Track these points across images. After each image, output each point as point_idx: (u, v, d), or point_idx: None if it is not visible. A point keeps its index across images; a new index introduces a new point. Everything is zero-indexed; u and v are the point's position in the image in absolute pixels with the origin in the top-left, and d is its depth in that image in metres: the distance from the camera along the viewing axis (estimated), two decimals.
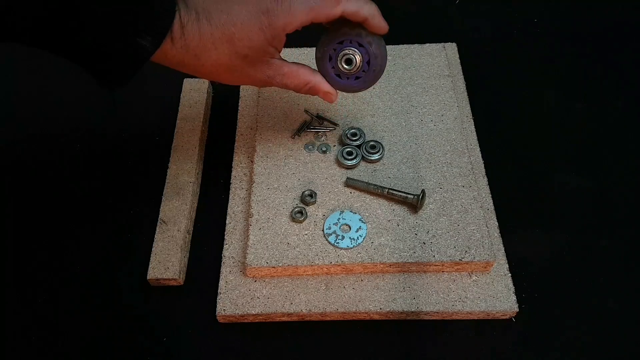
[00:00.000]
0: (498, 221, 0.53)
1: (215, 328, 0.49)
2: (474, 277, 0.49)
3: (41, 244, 0.54)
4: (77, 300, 0.51)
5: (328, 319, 0.49)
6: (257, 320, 0.49)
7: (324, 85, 0.48)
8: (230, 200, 0.55)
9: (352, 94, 0.60)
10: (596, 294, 0.50)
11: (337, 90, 0.49)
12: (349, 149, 0.55)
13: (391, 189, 0.51)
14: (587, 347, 0.47)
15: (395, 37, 0.66)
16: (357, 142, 0.55)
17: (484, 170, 0.56)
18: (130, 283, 0.51)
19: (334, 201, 0.52)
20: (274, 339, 0.48)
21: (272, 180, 0.54)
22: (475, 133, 0.59)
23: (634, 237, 0.53)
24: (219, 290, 0.49)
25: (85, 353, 0.48)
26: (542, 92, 0.64)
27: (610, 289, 0.50)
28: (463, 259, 0.48)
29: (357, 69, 0.46)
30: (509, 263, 0.50)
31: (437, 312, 0.48)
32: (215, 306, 0.49)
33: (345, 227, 0.50)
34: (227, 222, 0.54)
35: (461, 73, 0.64)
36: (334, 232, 0.50)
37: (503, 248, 0.51)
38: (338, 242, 0.49)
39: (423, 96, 0.60)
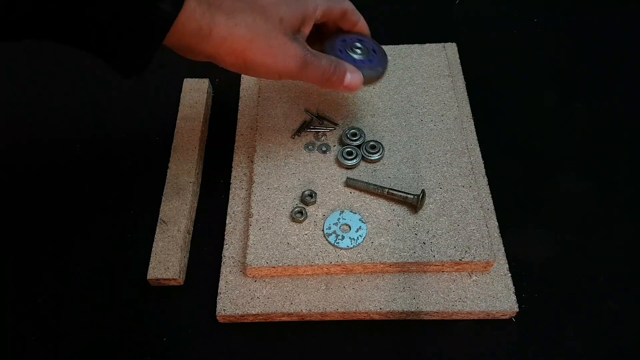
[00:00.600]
0: (498, 221, 0.53)
1: (215, 328, 0.49)
2: (474, 277, 0.49)
3: (41, 244, 0.54)
4: (77, 300, 0.51)
5: (328, 319, 0.49)
6: (257, 320, 0.49)
7: (348, 64, 0.47)
8: (230, 200, 0.55)
9: (352, 95, 0.60)
10: (596, 294, 0.50)
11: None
12: (349, 149, 0.55)
13: (391, 189, 0.51)
14: (587, 347, 0.47)
15: (395, 37, 0.66)
16: (357, 142, 0.55)
17: (484, 170, 0.56)
18: (130, 283, 0.52)
19: (334, 201, 0.52)
20: (274, 339, 0.48)
21: (272, 180, 0.54)
22: (475, 133, 0.59)
23: (634, 237, 0.53)
24: (219, 290, 0.49)
25: (85, 353, 0.48)
26: (542, 92, 0.64)
27: (610, 289, 0.50)
28: (463, 259, 0.48)
29: (367, 53, 0.49)
30: (509, 263, 0.50)
31: (437, 312, 0.48)
32: (215, 306, 0.49)
33: (345, 227, 0.50)
34: (227, 222, 0.54)
35: (461, 73, 0.64)
36: (334, 232, 0.50)
37: (503, 248, 0.51)
38: (338, 242, 0.49)
39: (423, 96, 0.60)
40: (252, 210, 0.52)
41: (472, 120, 0.60)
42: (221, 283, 0.50)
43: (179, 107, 0.63)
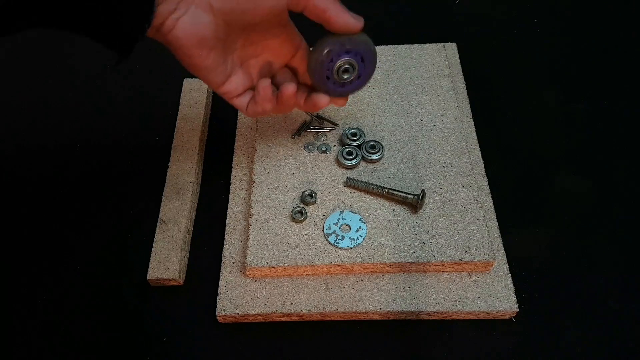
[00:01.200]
0: (498, 221, 0.53)
1: (215, 328, 0.49)
2: (474, 277, 0.49)
3: (41, 244, 0.54)
4: (77, 300, 0.51)
5: (328, 319, 0.49)
6: (257, 320, 0.49)
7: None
8: (230, 200, 0.55)
9: (352, 95, 0.60)
10: (596, 294, 0.50)
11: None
12: (349, 149, 0.55)
13: (391, 189, 0.51)
14: (587, 347, 0.47)
15: (395, 37, 0.66)
16: (357, 142, 0.55)
17: (484, 170, 0.56)
18: (130, 283, 0.52)
19: (334, 201, 0.52)
20: (274, 339, 0.48)
21: (272, 180, 0.54)
22: (475, 133, 0.59)
23: (633, 237, 0.53)
24: (219, 290, 0.49)
25: (86, 353, 0.48)
26: (542, 92, 0.64)
27: (610, 289, 0.50)
28: (463, 259, 0.48)
29: (350, 79, 0.46)
30: (509, 263, 0.50)
31: (437, 312, 0.48)
32: (215, 306, 0.49)
33: (345, 227, 0.50)
34: (227, 222, 0.54)
35: (461, 73, 0.64)
36: (334, 232, 0.50)
37: (503, 248, 0.51)
38: (338, 242, 0.49)
39: (423, 96, 0.60)
40: (252, 210, 0.52)
41: (472, 120, 0.60)
42: (221, 283, 0.50)
43: (179, 107, 0.63)
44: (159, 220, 0.54)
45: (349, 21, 0.43)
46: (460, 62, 0.65)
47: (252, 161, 0.57)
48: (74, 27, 0.39)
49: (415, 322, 0.49)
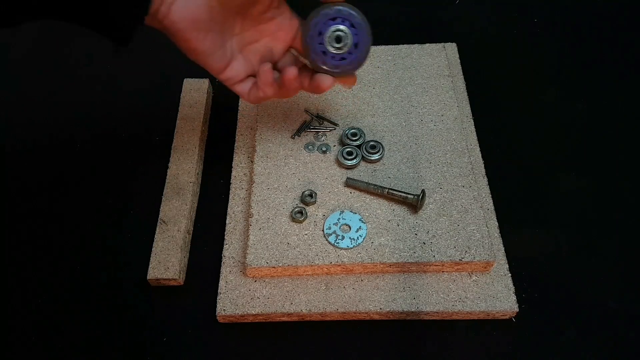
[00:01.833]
0: (498, 221, 0.53)
1: (215, 328, 0.49)
2: (474, 277, 0.49)
3: (41, 244, 0.54)
4: (77, 300, 0.51)
5: (328, 319, 0.49)
6: (257, 320, 0.49)
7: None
8: (230, 200, 0.55)
9: (352, 95, 0.60)
10: (596, 294, 0.50)
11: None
12: (349, 149, 0.55)
13: (391, 189, 0.51)
14: (587, 347, 0.47)
15: (396, 37, 0.66)
16: (357, 142, 0.55)
17: (484, 170, 0.56)
18: (130, 283, 0.52)
19: (334, 201, 0.52)
20: (274, 339, 0.48)
21: (272, 180, 0.54)
22: (475, 133, 0.59)
23: (634, 237, 0.53)
24: (219, 290, 0.49)
25: (86, 353, 0.48)
26: (542, 92, 0.64)
27: (610, 289, 0.50)
28: (463, 259, 0.48)
29: (345, 49, 0.45)
30: (509, 263, 0.50)
31: (437, 312, 0.48)
32: (215, 306, 0.49)
33: (345, 227, 0.50)
34: (227, 222, 0.54)
35: (461, 73, 0.64)
36: (334, 232, 0.50)
37: (503, 248, 0.51)
38: (338, 242, 0.49)
39: (423, 96, 0.60)
40: (252, 210, 0.52)
41: (472, 120, 0.60)
42: (221, 283, 0.50)
43: (179, 107, 0.63)
44: (159, 220, 0.54)
45: None
46: (460, 62, 0.65)
47: (252, 161, 0.57)
48: (73, 17, 0.39)
49: (415, 322, 0.49)
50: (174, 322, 0.49)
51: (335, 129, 0.58)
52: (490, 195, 0.54)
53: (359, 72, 0.62)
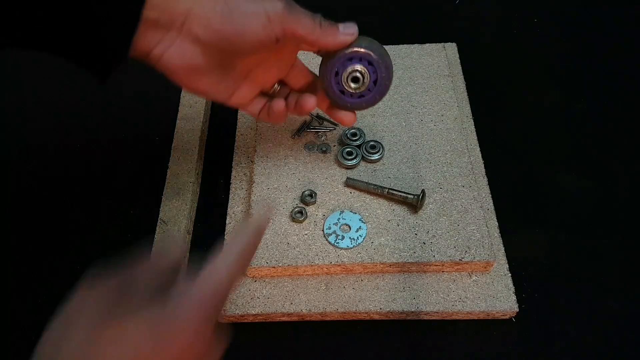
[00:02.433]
0: (498, 221, 0.53)
1: (215, 328, 0.49)
2: (474, 277, 0.49)
3: (41, 244, 0.54)
4: None
5: (328, 319, 0.49)
6: (257, 320, 0.49)
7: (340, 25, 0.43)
8: (230, 200, 0.55)
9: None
10: (596, 294, 0.50)
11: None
12: (349, 149, 0.55)
13: (391, 189, 0.51)
14: (587, 347, 0.47)
15: (395, 37, 0.66)
16: (357, 142, 0.55)
17: (484, 170, 0.56)
18: None
19: (334, 201, 0.52)
20: (274, 339, 0.48)
21: (272, 180, 0.54)
22: (475, 133, 0.59)
23: (634, 237, 0.53)
24: None
25: None
26: (542, 92, 0.64)
27: (610, 289, 0.50)
28: (463, 259, 0.48)
29: (364, 88, 0.45)
30: (509, 263, 0.50)
31: (437, 312, 0.48)
32: None
33: (345, 227, 0.50)
34: (227, 222, 0.54)
35: (461, 73, 0.64)
36: (334, 232, 0.50)
37: (503, 248, 0.51)
38: (338, 242, 0.49)
39: (423, 96, 0.60)
40: (252, 210, 0.52)
41: (472, 120, 0.60)
42: None
43: (179, 107, 0.63)
44: (159, 220, 0.54)
45: (340, 37, 0.42)
46: (460, 62, 0.65)
47: (252, 161, 0.57)
48: (52, 50, 0.38)
49: (415, 322, 0.49)
50: None
51: (335, 129, 0.58)
52: (490, 195, 0.54)
53: None
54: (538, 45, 0.69)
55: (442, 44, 0.65)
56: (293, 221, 0.51)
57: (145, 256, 0.36)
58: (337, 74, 0.44)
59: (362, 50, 0.43)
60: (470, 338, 0.48)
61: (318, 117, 0.58)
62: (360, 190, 0.53)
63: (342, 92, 0.45)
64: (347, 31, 0.42)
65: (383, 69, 0.44)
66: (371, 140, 0.55)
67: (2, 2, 0.35)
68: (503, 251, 0.51)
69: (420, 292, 0.48)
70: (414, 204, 0.51)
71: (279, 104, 0.46)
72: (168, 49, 0.40)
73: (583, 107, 0.63)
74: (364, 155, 0.54)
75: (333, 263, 0.48)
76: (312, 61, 0.49)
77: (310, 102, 0.46)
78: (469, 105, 0.61)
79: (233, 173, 0.57)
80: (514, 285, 0.49)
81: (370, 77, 0.44)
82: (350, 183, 0.53)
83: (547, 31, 0.71)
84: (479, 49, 0.68)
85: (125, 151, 0.61)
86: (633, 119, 0.62)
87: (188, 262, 0.53)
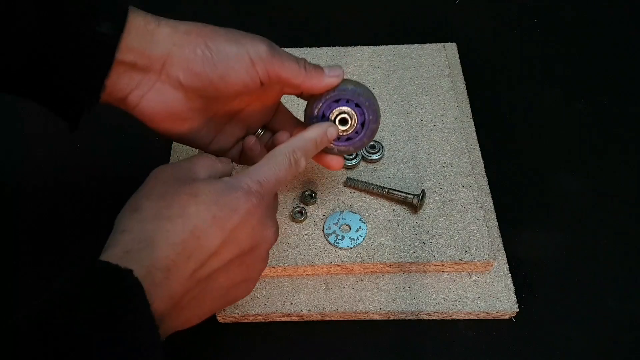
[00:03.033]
0: (498, 221, 0.53)
1: (215, 328, 0.49)
2: (474, 277, 0.49)
3: (41, 244, 0.54)
4: None
5: (328, 319, 0.49)
6: (257, 320, 0.49)
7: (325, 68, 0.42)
8: None
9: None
10: (596, 294, 0.50)
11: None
12: None
13: (391, 189, 0.51)
14: (587, 347, 0.47)
15: (395, 37, 0.66)
16: None
17: (484, 170, 0.56)
18: None
19: (334, 201, 0.52)
20: (274, 339, 0.48)
21: None
22: (475, 133, 0.59)
23: (633, 237, 0.53)
24: None
25: None
26: (542, 92, 0.65)
27: (610, 289, 0.50)
28: (463, 259, 0.48)
29: (351, 130, 0.44)
30: (509, 263, 0.50)
31: (437, 312, 0.48)
32: None
33: (345, 227, 0.50)
34: None
35: (461, 73, 0.64)
36: (334, 232, 0.50)
37: (503, 248, 0.51)
38: (338, 242, 0.49)
39: (423, 96, 0.60)
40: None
41: (472, 120, 0.60)
42: None
43: None
44: None
45: (326, 80, 0.41)
46: (460, 62, 0.65)
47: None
48: (20, 94, 0.37)
49: (415, 322, 0.49)
50: None
51: None
52: (490, 195, 0.54)
53: (359, 72, 0.62)
54: (538, 45, 0.69)
55: (442, 44, 0.65)
56: (293, 221, 0.51)
57: (203, 154, 0.39)
58: (323, 116, 0.43)
59: (349, 91, 0.42)
60: (470, 338, 0.48)
61: None
62: (360, 190, 0.53)
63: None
64: (333, 74, 0.41)
65: (371, 110, 0.43)
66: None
67: None
68: (503, 251, 0.51)
69: (420, 292, 0.48)
70: (414, 204, 0.51)
71: (250, 139, 0.45)
72: (147, 93, 0.38)
73: (583, 107, 0.63)
74: (364, 155, 0.54)
75: (333, 263, 0.48)
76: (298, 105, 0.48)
77: (283, 138, 0.45)
78: (469, 105, 0.61)
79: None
80: (514, 285, 0.49)
81: (357, 119, 0.43)
82: (350, 183, 0.53)
83: (547, 31, 0.71)
84: (479, 49, 0.68)
85: (126, 151, 0.61)
86: (633, 119, 0.62)
87: None
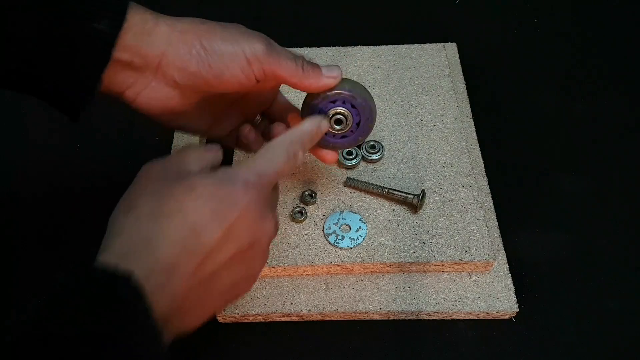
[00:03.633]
0: (498, 221, 0.53)
1: (215, 328, 0.49)
2: (474, 277, 0.49)
3: (41, 244, 0.54)
4: None
5: (328, 319, 0.49)
6: (257, 320, 0.49)
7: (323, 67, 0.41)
8: None
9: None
10: (596, 294, 0.50)
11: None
12: (349, 149, 0.54)
13: (391, 189, 0.51)
14: (587, 347, 0.47)
15: (395, 37, 0.66)
16: None
17: (484, 170, 0.56)
18: None
19: (334, 201, 0.52)
20: (274, 339, 0.48)
21: None
22: (475, 133, 0.59)
23: (634, 237, 0.53)
24: None
25: None
26: (542, 92, 0.65)
27: (610, 289, 0.50)
28: (463, 259, 0.48)
29: (347, 129, 0.44)
30: (509, 263, 0.50)
31: (437, 312, 0.48)
32: None
33: (345, 227, 0.50)
34: None
35: (461, 73, 0.64)
36: (334, 232, 0.50)
37: (503, 248, 0.51)
38: (338, 242, 0.49)
39: (423, 96, 0.60)
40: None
41: (472, 120, 0.60)
42: None
43: None
44: None
45: (323, 80, 0.41)
46: (460, 62, 0.65)
47: None
48: (20, 89, 0.38)
49: (415, 322, 0.49)
50: None
51: None
52: (490, 195, 0.54)
53: (359, 73, 0.62)
54: (538, 45, 0.69)
55: (442, 44, 0.65)
56: (293, 221, 0.51)
57: (191, 146, 0.39)
58: (320, 112, 0.43)
59: (346, 93, 0.42)
60: (470, 338, 0.48)
61: None
62: (360, 190, 0.53)
63: (325, 133, 0.43)
64: (331, 74, 0.41)
65: (367, 112, 0.44)
66: (371, 140, 0.55)
67: None
68: (503, 251, 0.51)
69: (420, 292, 0.48)
70: (414, 204, 0.51)
71: (244, 128, 0.45)
72: (143, 90, 0.39)
73: (583, 107, 0.63)
74: (364, 155, 0.54)
75: (333, 263, 0.48)
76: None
77: (279, 130, 0.45)
78: (469, 105, 0.61)
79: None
80: (514, 285, 0.49)
81: (353, 119, 0.43)
82: (350, 183, 0.53)
83: (547, 31, 0.71)
84: (479, 49, 0.68)
85: (126, 151, 0.61)
86: (633, 118, 0.62)
87: None
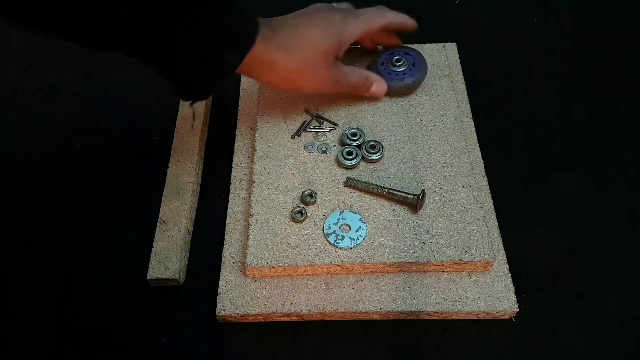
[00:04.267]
0: (498, 221, 0.53)
1: (215, 328, 0.49)
2: (474, 277, 0.49)
3: (41, 244, 0.54)
4: (77, 299, 0.51)
5: (328, 319, 0.49)
6: (257, 320, 0.49)
7: (375, 76, 0.57)
8: (230, 200, 0.55)
9: (352, 95, 0.60)
10: (596, 294, 0.50)
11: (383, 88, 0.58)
12: (349, 149, 0.55)
13: (391, 189, 0.51)
14: (587, 347, 0.47)
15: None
16: (357, 142, 0.55)
17: (484, 170, 0.56)
18: (130, 283, 0.52)
19: (334, 201, 0.52)
20: (274, 339, 0.48)
21: (272, 180, 0.54)
22: (475, 133, 0.59)
23: (634, 237, 0.53)
24: (219, 290, 0.49)
25: (85, 353, 0.48)
26: (542, 92, 0.64)
27: (610, 290, 0.50)
28: (463, 259, 0.48)
29: (405, 67, 0.58)
30: (509, 263, 0.50)
31: (437, 312, 0.48)
32: (215, 306, 0.49)
33: (345, 227, 0.50)
34: (227, 222, 0.54)
35: (461, 73, 0.64)
36: (334, 232, 0.50)
37: (503, 248, 0.51)
38: (338, 242, 0.49)
39: (423, 96, 0.60)
40: (252, 210, 0.52)
41: (472, 120, 0.60)
42: (221, 283, 0.50)
43: (179, 107, 0.63)
44: (159, 220, 0.54)
45: (372, 92, 0.57)
46: (460, 62, 0.65)
47: (252, 161, 0.57)
48: (158, 70, 0.45)
49: (415, 322, 0.49)
50: (174, 322, 0.49)
51: (335, 129, 0.58)
52: (490, 195, 0.54)
53: None
54: (538, 45, 0.69)
55: (442, 44, 0.65)
56: (293, 221, 0.51)
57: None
58: (382, 63, 0.60)
59: (402, 49, 0.61)
60: (470, 338, 0.48)
61: (318, 117, 0.58)
62: (360, 190, 0.53)
63: (389, 73, 0.58)
64: (379, 90, 0.58)
65: (419, 57, 0.60)
66: (371, 140, 0.55)
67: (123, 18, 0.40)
68: (503, 251, 0.51)
69: (420, 292, 0.48)
70: (414, 204, 0.51)
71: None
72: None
73: (583, 107, 0.63)
74: (364, 155, 0.54)
75: (333, 263, 0.48)
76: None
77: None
78: (469, 105, 0.61)
79: (233, 173, 0.57)
80: (514, 285, 0.49)
81: (409, 60, 0.59)
82: (350, 183, 0.53)
83: (547, 31, 0.71)
84: (479, 49, 0.68)
85: (126, 151, 0.61)
86: (633, 118, 0.62)
87: (188, 264, 0.53)
